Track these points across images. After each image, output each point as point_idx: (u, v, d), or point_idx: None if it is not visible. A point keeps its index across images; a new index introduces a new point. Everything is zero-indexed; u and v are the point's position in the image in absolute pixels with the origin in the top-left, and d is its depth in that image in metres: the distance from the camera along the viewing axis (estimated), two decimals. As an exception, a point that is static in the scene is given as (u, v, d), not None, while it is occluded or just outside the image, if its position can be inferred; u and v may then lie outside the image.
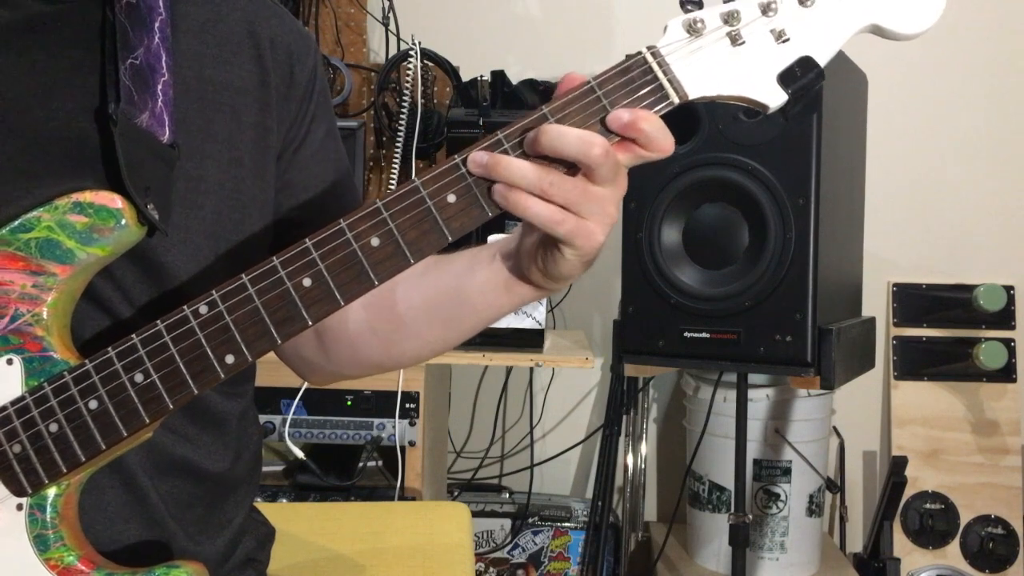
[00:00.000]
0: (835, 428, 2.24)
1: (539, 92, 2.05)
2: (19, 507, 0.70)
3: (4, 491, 0.70)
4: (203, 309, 0.69)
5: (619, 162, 0.68)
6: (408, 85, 2.07)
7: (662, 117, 0.68)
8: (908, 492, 2.22)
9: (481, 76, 2.02)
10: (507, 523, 2.24)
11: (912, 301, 2.37)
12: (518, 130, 0.68)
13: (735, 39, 0.67)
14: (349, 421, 1.81)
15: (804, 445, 2.05)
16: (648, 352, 1.77)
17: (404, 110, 2.06)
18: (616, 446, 2.23)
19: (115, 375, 0.69)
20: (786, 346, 1.63)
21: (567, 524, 2.24)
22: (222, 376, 0.70)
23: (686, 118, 1.71)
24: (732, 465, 1.78)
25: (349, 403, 1.81)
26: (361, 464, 1.85)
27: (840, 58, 1.74)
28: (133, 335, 0.70)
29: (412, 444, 1.80)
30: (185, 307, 0.70)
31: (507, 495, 2.33)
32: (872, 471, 2.45)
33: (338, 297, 0.69)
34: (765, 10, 0.67)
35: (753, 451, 2.02)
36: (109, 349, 0.70)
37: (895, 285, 2.38)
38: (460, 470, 2.43)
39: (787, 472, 2.05)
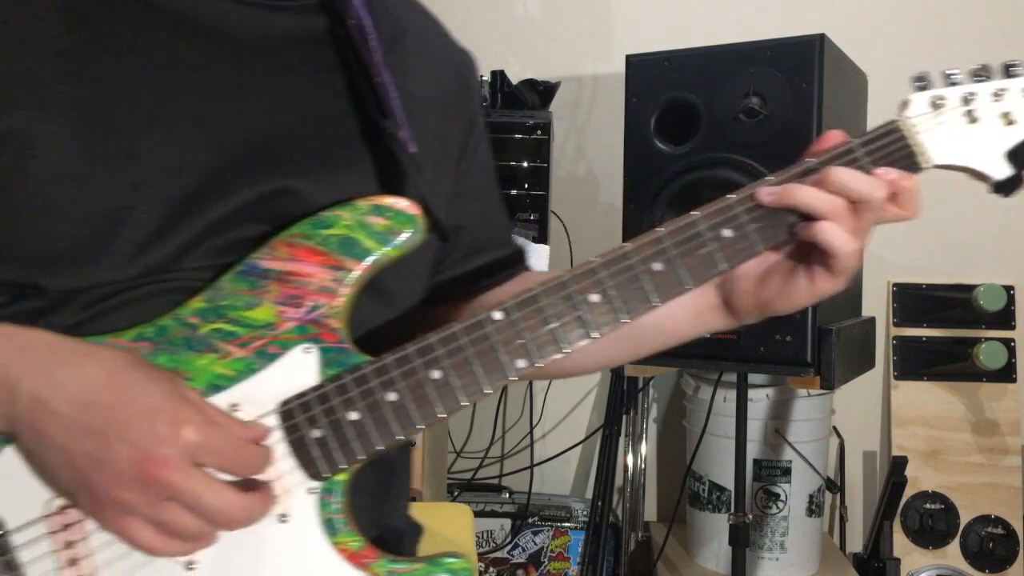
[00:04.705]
0: (835, 428, 2.25)
1: (539, 92, 2.05)
2: (310, 491, 0.71)
3: (300, 475, 0.71)
4: (497, 315, 0.73)
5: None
6: (408, 85, 2.06)
7: None
8: (908, 492, 2.22)
9: (481, 76, 2.02)
10: (507, 523, 2.24)
11: (912, 301, 2.37)
12: (793, 176, 0.78)
13: (972, 117, 0.79)
14: (349, 421, 1.81)
15: (804, 445, 2.05)
16: (648, 352, 1.76)
17: (404, 110, 2.05)
18: (616, 446, 2.23)
19: (413, 371, 0.72)
20: (786, 346, 1.63)
21: (567, 524, 2.24)
22: (511, 378, 0.74)
23: (685, 117, 1.71)
24: (732, 465, 1.78)
25: (349, 403, 1.81)
26: (361, 464, 1.85)
27: (840, 57, 1.74)
28: (430, 334, 0.73)
29: (412, 444, 1.80)
30: (482, 313, 0.74)
31: (507, 495, 2.33)
32: (872, 471, 2.45)
33: (624, 313, 0.75)
34: (997, 96, 0.79)
35: (753, 451, 2.02)
36: (408, 346, 0.73)
37: (895, 285, 2.38)
38: (460, 470, 2.43)
39: (787, 472, 2.05)
